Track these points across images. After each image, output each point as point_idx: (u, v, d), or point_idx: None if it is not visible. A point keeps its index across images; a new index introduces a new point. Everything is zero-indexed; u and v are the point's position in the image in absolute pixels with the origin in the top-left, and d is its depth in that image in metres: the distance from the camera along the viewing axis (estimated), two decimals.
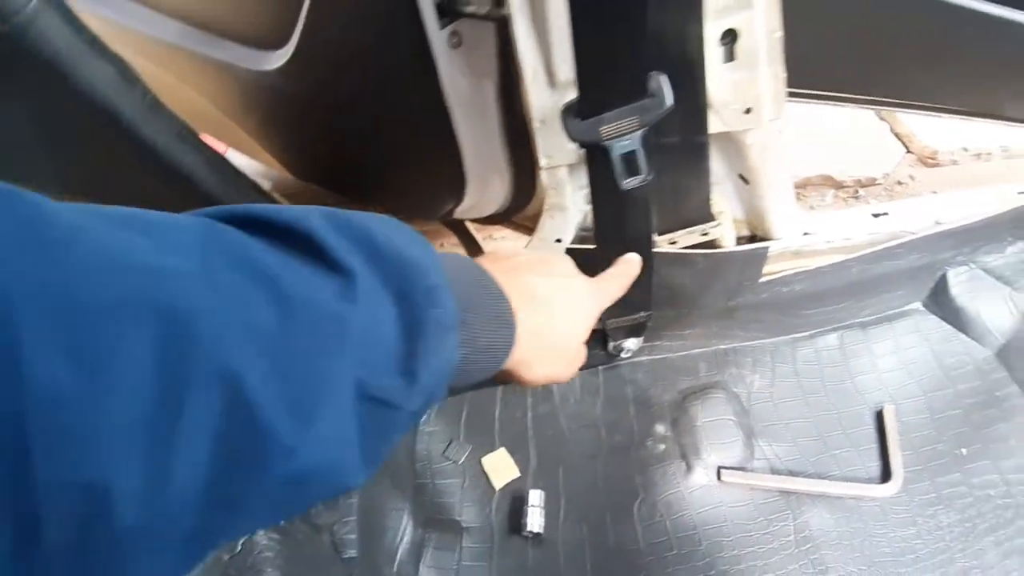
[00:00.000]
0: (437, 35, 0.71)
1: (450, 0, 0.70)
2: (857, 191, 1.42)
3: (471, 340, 0.38)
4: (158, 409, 0.23)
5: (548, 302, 0.47)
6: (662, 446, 0.83)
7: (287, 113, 0.93)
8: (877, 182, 1.44)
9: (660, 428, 0.84)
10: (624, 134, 0.60)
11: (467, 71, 0.74)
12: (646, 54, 0.57)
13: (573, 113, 0.59)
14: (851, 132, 1.54)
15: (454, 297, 0.35)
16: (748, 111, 0.69)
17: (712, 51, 0.64)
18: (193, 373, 0.24)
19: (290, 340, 0.27)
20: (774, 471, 0.82)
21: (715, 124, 0.69)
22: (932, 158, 1.48)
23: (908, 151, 1.51)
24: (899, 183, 1.44)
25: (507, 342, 0.41)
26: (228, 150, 1.25)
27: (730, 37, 0.65)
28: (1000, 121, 1.02)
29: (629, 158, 0.61)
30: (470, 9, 0.69)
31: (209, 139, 1.02)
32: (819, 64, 1.01)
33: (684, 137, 0.67)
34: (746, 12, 0.63)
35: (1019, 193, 0.98)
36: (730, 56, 0.66)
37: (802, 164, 1.44)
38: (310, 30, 0.80)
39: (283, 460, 0.27)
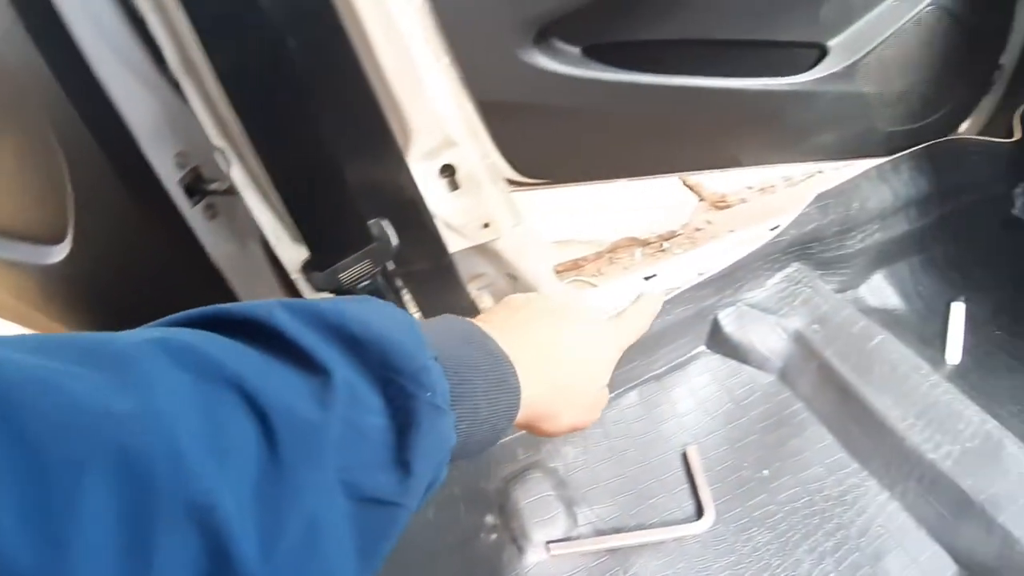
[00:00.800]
0: (191, 212, 0.77)
1: (195, 180, 0.76)
2: (662, 244, 1.55)
3: (470, 414, 0.36)
4: (125, 562, 0.21)
5: (563, 351, 0.45)
6: (493, 535, 0.88)
7: (82, 299, 0.96)
8: (678, 233, 1.57)
9: (489, 519, 0.90)
10: (365, 276, 0.67)
11: (231, 237, 0.80)
12: (363, 207, 0.64)
13: (312, 267, 0.66)
14: (648, 192, 1.69)
15: (447, 372, 0.34)
16: (486, 225, 0.77)
17: (435, 185, 0.73)
18: (156, 516, 0.22)
19: (264, 456, 0.26)
20: (599, 532, 0.88)
21: (460, 242, 0.77)
22: (722, 201, 1.64)
23: (701, 199, 1.67)
24: (697, 229, 1.58)
25: (511, 408, 0.39)
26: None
27: (448, 171, 0.73)
28: (745, 168, 1.16)
29: (374, 294, 0.68)
30: (213, 187, 0.75)
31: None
32: (588, 158, 1.13)
33: (430, 262, 0.75)
34: (454, 148, 0.72)
35: (771, 229, 1.11)
36: (454, 186, 0.74)
37: (609, 231, 1.57)
38: (81, 225, 0.84)
39: None
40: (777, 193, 1.67)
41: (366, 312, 0.33)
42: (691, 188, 1.69)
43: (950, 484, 0.84)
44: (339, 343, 0.31)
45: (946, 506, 0.85)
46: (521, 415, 0.41)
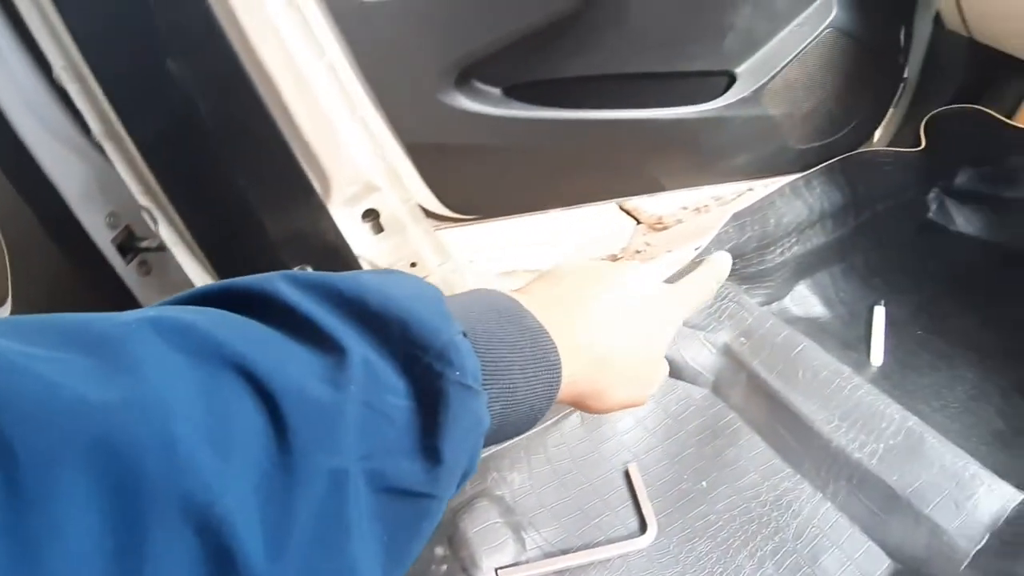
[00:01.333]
0: (125, 270, 0.79)
1: (127, 239, 0.78)
2: None
3: (506, 394, 0.34)
4: (113, 568, 0.19)
5: (611, 323, 0.42)
6: (444, 566, 0.90)
7: None
8: (619, 256, 1.62)
9: (439, 550, 0.91)
10: None
11: (165, 291, 0.82)
12: (286, 255, 0.67)
13: None
14: (588, 218, 1.74)
15: (478, 349, 0.32)
16: (413, 264, 0.81)
17: (359, 229, 0.76)
18: (148, 516, 0.20)
19: (272, 444, 0.23)
20: (547, 555, 0.90)
21: None
22: (660, 223, 1.69)
23: (639, 222, 1.71)
24: (637, 252, 1.62)
25: (551, 386, 0.36)
26: None
27: (372, 215, 0.77)
28: (664, 192, 1.21)
29: None
30: (145, 244, 0.77)
31: None
32: (517, 192, 1.17)
33: None
34: (376, 193, 0.75)
35: (695, 248, 1.16)
36: (379, 229, 0.77)
37: (553, 259, 1.60)
38: (19, 288, 0.85)
39: None
40: (711, 212, 1.72)
41: (387, 284, 0.30)
42: (629, 212, 1.73)
43: (877, 481, 0.88)
44: (355, 318, 0.28)
45: (875, 503, 0.89)
46: (564, 393, 0.38)
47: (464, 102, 1.03)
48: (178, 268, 0.83)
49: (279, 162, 0.67)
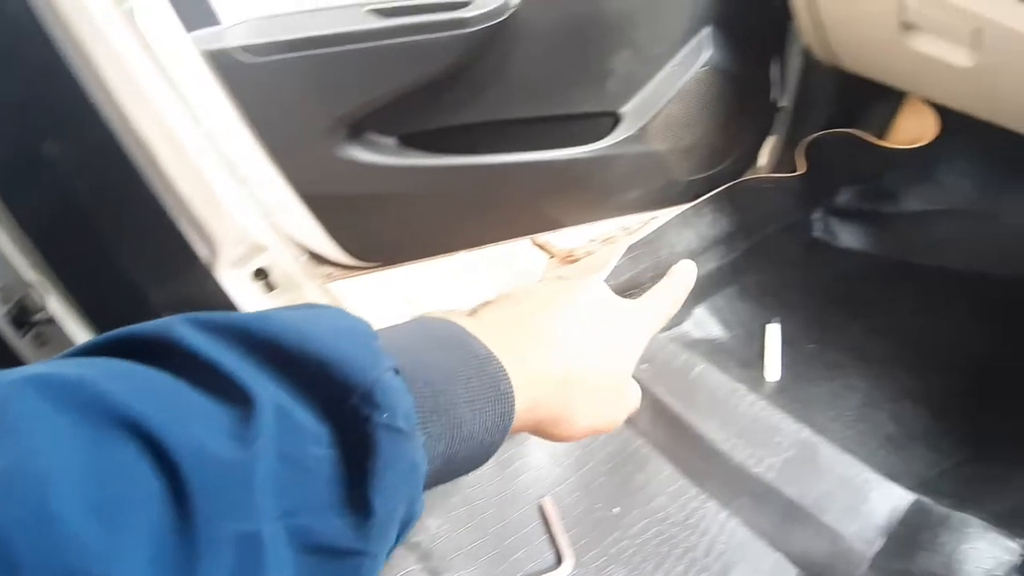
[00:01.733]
0: (20, 343, 0.78)
1: (21, 312, 0.77)
2: None
3: (449, 430, 0.31)
4: None
5: (574, 342, 0.39)
6: None
7: None
8: None
9: None
10: None
11: None
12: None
13: None
14: (502, 256, 1.77)
15: (414, 385, 0.29)
16: None
17: (249, 289, 0.77)
18: None
19: (171, 510, 0.21)
20: None
21: None
22: (571, 256, 1.73)
23: (552, 256, 1.76)
24: None
25: (504, 417, 0.33)
26: None
27: (262, 274, 0.78)
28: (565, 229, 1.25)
29: None
30: (38, 317, 0.77)
31: None
32: (420, 237, 1.19)
33: None
34: (265, 253, 0.76)
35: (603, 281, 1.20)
36: (270, 287, 0.78)
37: (468, 298, 1.63)
38: None
39: None
40: (618, 242, 1.78)
41: (306, 321, 0.27)
42: (541, 247, 1.78)
43: (777, 494, 0.92)
44: (267, 361, 0.25)
45: (777, 515, 0.93)
46: (522, 421, 0.36)
47: (360, 153, 1.05)
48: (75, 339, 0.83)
49: (161, 231, 0.68)
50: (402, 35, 0.98)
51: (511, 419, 0.34)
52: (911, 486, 0.93)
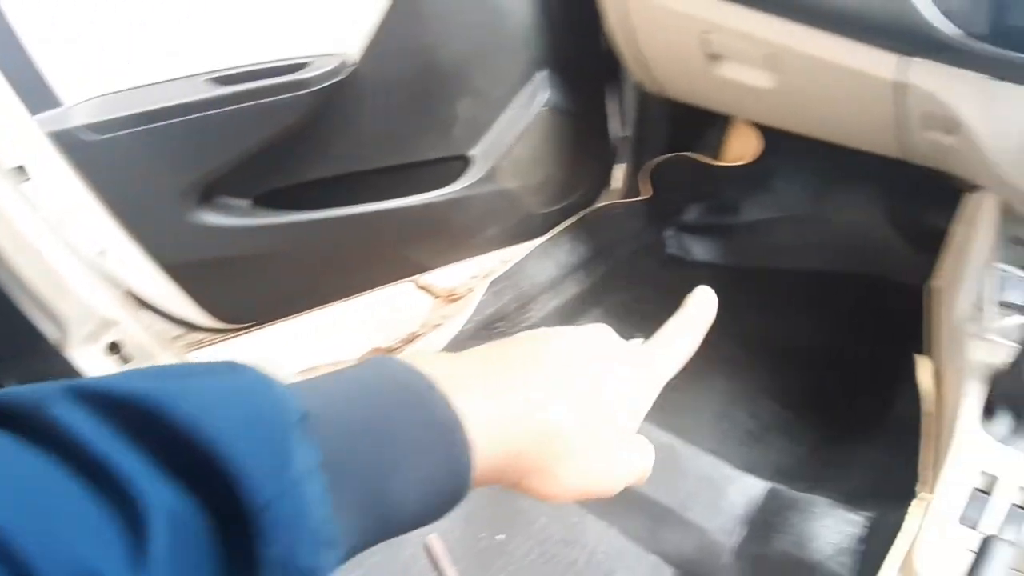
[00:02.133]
0: None
1: None
2: (403, 348, 1.65)
3: (378, 521, 0.27)
4: None
5: (562, 388, 0.34)
6: None
7: None
8: (418, 333, 1.69)
9: None
10: None
11: None
12: None
13: None
14: (384, 302, 1.80)
15: (344, 468, 0.25)
16: None
17: (104, 363, 0.77)
18: None
19: None
20: None
21: None
22: (453, 295, 1.78)
23: (436, 297, 1.80)
24: (436, 325, 1.70)
25: (455, 476, 0.29)
26: None
27: (115, 348, 0.78)
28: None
29: None
30: None
31: None
32: (288, 293, 1.20)
33: None
34: (116, 327, 0.77)
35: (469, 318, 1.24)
36: (125, 360, 0.79)
37: (353, 348, 1.65)
38: None
39: None
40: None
41: (203, 393, 0.23)
42: (424, 289, 1.82)
43: (644, 498, 0.98)
44: (158, 450, 0.21)
45: (649, 519, 0.98)
46: (495, 473, 0.32)
47: (214, 218, 1.06)
48: None
49: (3, 315, 0.68)
50: (242, 101, 1.01)
51: (466, 479, 0.30)
52: (769, 476, 1.00)
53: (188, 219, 1.04)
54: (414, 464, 0.28)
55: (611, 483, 0.37)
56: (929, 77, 0.84)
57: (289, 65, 1.03)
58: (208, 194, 1.05)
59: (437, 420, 0.29)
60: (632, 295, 1.35)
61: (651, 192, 1.34)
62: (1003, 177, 0.85)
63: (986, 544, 0.71)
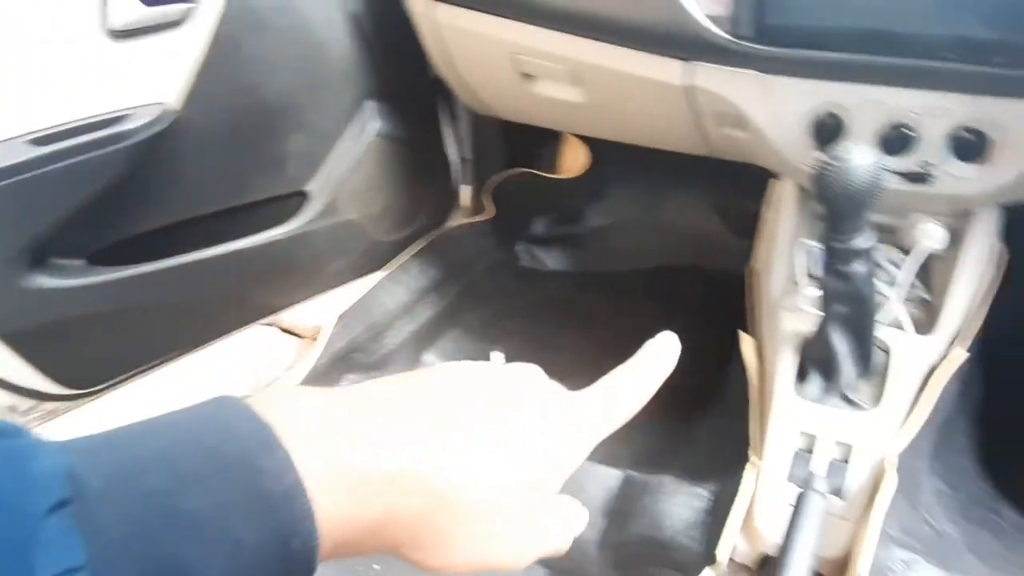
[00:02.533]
0: None
1: None
2: None
3: None
4: None
5: (457, 437, 0.28)
6: None
7: None
8: (280, 377, 1.67)
9: None
10: None
11: None
12: None
13: None
14: (246, 348, 1.77)
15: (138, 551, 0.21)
16: None
17: None
18: None
19: None
20: None
21: None
22: (318, 334, 1.77)
23: (302, 337, 1.78)
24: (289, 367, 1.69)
25: (291, 570, 0.24)
26: None
27: None
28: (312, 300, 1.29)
29: None
30: None
31: None
32: (137, 350, 1.17)
33: None
34: None
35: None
36: None
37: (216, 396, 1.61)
38: None
39: None
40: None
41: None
42: (289, 331, 1.79)
43: None
44: None
45: None
46: (351, 544, 0.26)
47: (48, 280, 1.02)
48: None
49: None
50: (62, 159, 0.98)
51: (307, 563, 0.25)
52: (628, 465, 1.05)
53: (20, 284, 1.00)
54: (228, 551, 0.23)
55: (518, 554, 0.31)
56: (712, 79, 0.92)
57: (109, 119, 1.01)
58: (39, 257, 1.01)
59: (265, 489, 0.24)
60: (490, 311, 1.38)
61: (493, 210, 1.39)
62: (788, 162, 0.94)
63: (801, 497, 0.78)
